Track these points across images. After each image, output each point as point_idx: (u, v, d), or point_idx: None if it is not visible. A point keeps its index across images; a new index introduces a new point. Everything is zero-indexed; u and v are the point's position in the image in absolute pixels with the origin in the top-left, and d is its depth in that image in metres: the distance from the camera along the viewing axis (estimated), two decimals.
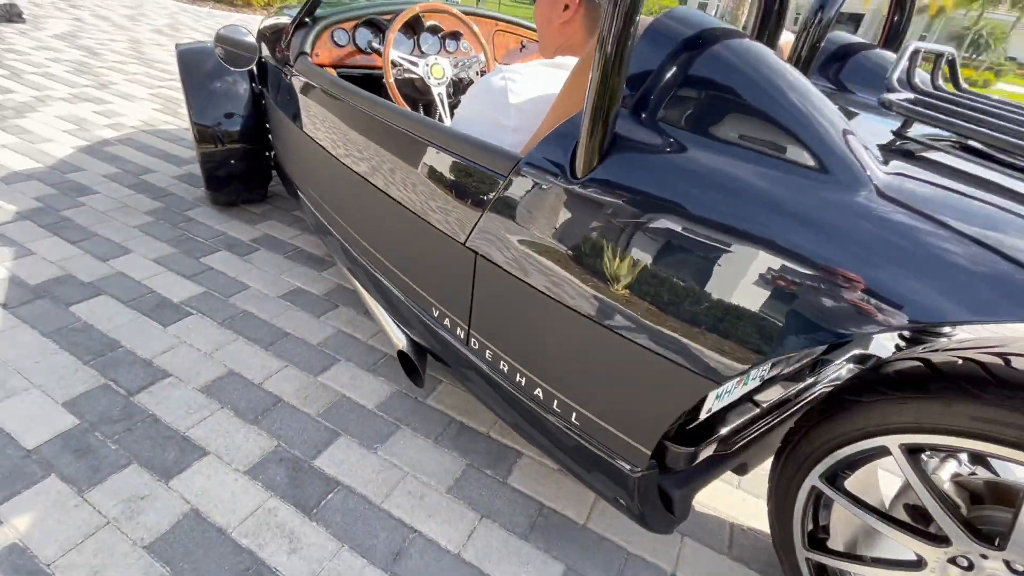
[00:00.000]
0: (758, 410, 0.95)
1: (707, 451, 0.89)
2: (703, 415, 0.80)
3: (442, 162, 1.03)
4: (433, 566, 1.02)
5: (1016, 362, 0.64)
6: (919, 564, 0.81)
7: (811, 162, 0.66)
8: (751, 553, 1.13)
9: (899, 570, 0.83)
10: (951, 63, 0.95)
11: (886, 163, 0.69)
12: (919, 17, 25.02)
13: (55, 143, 2.67)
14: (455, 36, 1.99)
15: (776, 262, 0.64)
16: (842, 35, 1.14)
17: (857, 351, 1.12)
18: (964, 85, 0.97)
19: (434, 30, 1.90)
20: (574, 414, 0.90)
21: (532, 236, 0.87)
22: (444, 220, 1.04)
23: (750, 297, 0.65)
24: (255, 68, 2.00)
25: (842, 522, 0.92)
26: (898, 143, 0.78)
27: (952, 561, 0.78)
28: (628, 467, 0.84)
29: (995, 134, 0.70)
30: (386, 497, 1.14)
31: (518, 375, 0.99)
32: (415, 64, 1.62)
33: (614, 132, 0.77)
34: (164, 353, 1.43)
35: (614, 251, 0.76)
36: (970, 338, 0.79)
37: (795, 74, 0.72)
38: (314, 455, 1.21)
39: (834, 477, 0.86)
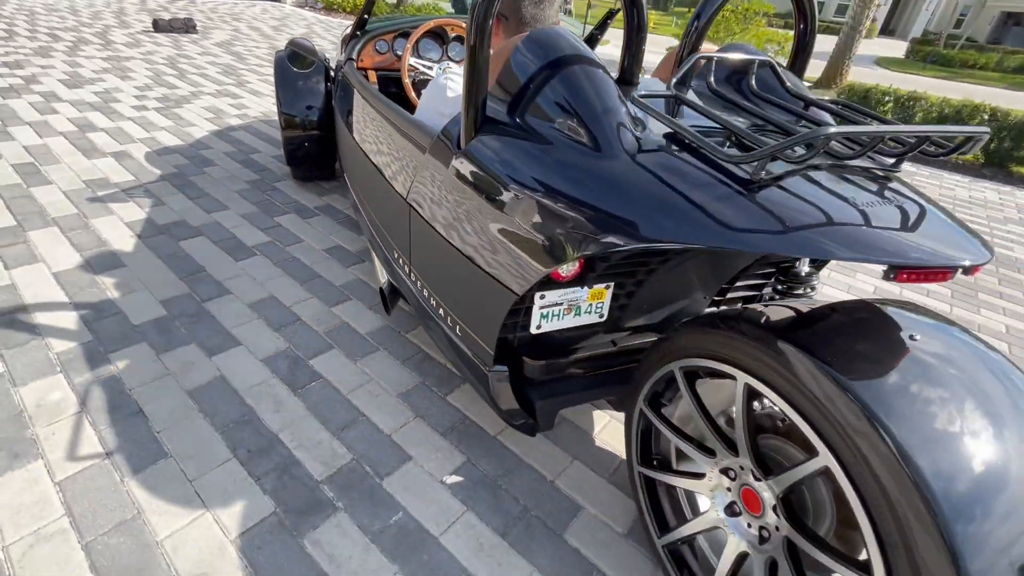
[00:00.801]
0: (613, 348, 1.18)
1: (558, 368, 1.15)
2: (534, 329, 1.06)
3: (402, 140, 1.38)
4: (368, 438, 1.37)
5: (763, 314, 0.84)
6: (703, 474, 1.00)
7: (588, 142, 0.91)
8: (628, 482, 1.34)
9: (692, 479, 1.03)
10: (771, 67, 1.13)
11: (637, 141, 0.90)
12: None
13: (197, 127, 3.46)
14: None
15: (558, 205, 0.90)
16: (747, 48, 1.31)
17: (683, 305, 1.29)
18: (789, 85, 1.12)
19: (460, 40, 2.27)
20: (458, 326, 1.21)
21: (436, 191, 1.19)
22: (399, 182, 1.39)
23: (538, 229, 0.92)
24: (331, 70, 2.52)
25: (663, 441, 1.12)
26: (657, 129, 0.98)
27: (724, 472, 0.97)
28: (483, 365, 1.13)
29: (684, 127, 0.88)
30: (351, 392, 1.52)
31: (432, 299, 1.32)
32: (429, 68, 2.00)
33: (485, 115, 1.06)
34: (231, 279, 1.95)
35: (471, 196, 1.06)
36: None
37: (596, 82, 0.96)
38: (310, 357, 1.62)
39: (656, 402, 1.08)
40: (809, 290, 1.19)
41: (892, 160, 0.89)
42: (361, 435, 1.38)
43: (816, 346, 0.73)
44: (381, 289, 1.64)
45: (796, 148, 0.82)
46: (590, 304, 1.07)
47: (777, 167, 0.81)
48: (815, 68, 10.64)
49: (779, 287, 1.19)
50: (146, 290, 1.83)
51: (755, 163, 0.77)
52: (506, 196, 0.98)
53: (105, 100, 3.75)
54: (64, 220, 2.19)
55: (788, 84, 1.13)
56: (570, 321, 1.08)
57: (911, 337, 0.74)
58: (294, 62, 2.47)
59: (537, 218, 0.92)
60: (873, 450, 0.63)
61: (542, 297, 1.01)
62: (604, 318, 1.12)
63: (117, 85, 4.14)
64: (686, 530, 1.02)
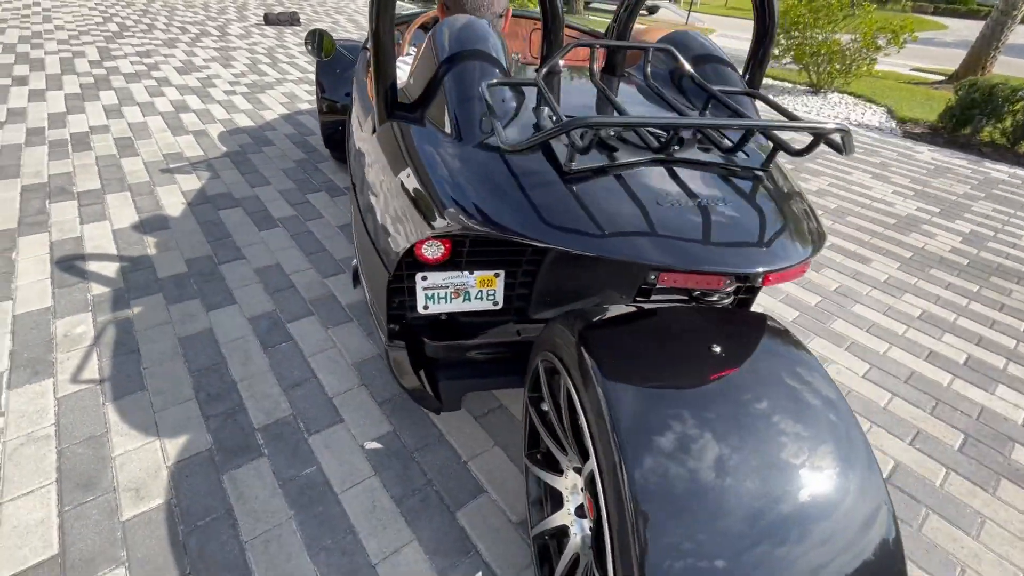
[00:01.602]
0: (517, 338, 1.18)
1: (459, 351, 1.18)
2: (420, 309, 1.10)
3: (363, 123, 1.47)
4: (311, 398, 1.50)
5: (594, 314, 0.82)
6: (563, 472, 1.00)
7: (451, 131, 0.92)
8: None
9: (555, 475, 1.02)
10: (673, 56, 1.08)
11: (482, 132, 0.89)
12: None
13: (271, 111, 3.84)
14: None
15: (411, 188, 0.93)
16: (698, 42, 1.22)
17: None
18: (688, 73, 1.04)
19: None
20: (370, 302, 1.28)
21: (366, 161, 1.27)
22: (353, 150, 1.50)
23: (400, 211, 0.97)
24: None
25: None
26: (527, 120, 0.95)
27: (577, 471, 0.96)
28: (383, 339, 1.19)
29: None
30: (313, 355, 1.65)
31: (362, 276, 1.41)
32: None
33: (395, 100, 1.11)
34: (249, 246, 2.19)
35: (370, 177, 1.13)
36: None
37: (465, 72, 0.97)
38: (289, 320, 1.79)
39: (537, 394, 1.07)
40: (723, 297, 1.11)
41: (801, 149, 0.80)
42: (307, 394, 1.51)
43: (596, 348, 0.70)
44: (354, 263, 1.76)
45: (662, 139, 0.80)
46: (480, 290, 1.09)
47: (596, 159, 0.78)
48: (954, 59, 9.22)
49: (693, 292, 1.12)
50: (178, 250, 2.12)
51: (568, 159, 0.76)
52: (384, 178, 1.03)
53: (204, 85, 4.29)
54: (137, 187, 2.58)
55: (687, 73, 1.06)
56: (460, 305, 1.11)
57: (709, 347, 0.69)
58: (320, 50, 2.66)
59: (398, 201, 0.97)
60: (607, 457, 0.60)
61: (424, 278, 1.04)
62: (499, 306, 1.12)
63: (218, 72, 4.70)
64: (544, 525, 1.01)
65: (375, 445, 1.38)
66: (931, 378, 1.82)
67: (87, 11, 6.96)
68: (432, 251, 0.97)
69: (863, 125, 5.19)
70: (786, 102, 5.82)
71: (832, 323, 2.06)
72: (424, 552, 1.15)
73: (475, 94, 0.93)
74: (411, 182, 0.94)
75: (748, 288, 1.29)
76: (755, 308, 2.09)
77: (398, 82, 1.39)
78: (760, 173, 0.82)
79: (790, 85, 6.71)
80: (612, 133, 0.85)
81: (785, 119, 0.73)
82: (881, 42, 5.65)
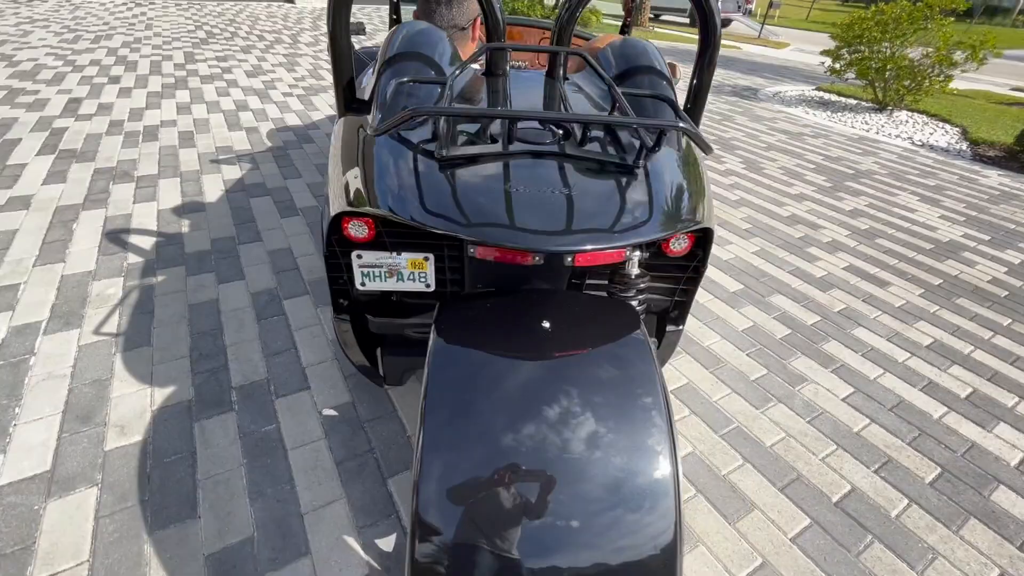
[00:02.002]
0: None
1: (396, 328, 1.28)
2: (359, 285, 1.20)
3: None
4: (287, 366, 1.65)
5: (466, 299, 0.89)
6: None
7: (372, 123, 1.03)
8: None
9: None
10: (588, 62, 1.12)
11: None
12: None
13: (319, 112, 4.16)
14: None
15: (334, 174, 1.04)
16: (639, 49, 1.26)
17: None
18: (602, 75, 1.07)
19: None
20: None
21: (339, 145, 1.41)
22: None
23: (330, 192, 1.08)
24: None
25: None
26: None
27: None
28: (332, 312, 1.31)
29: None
30: (298, 329, 1.81)
31: None
32: None
33: (352, 95, 1.23)
34: (268, 230, 2.41)
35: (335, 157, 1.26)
36: None
37: (392, 71, 1.06)
38: (286, 297, 1.96)
39: None
40: (635, 291, 1.14)
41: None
42: (284, 362, 1.66)
43: (441, 327, 0.77)
44: None
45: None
46: (412, 272, 1.18)
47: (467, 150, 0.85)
48: None
49: (610, 287, 1.15)
50: (207, 230, 2.37)
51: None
52: (328, 166, 1.15)
53: (266, 87, 4.70)
54: (187, 174, 2.90)
55: (602, 75, 1.10)
56: (395, 285, 1.20)
57: (540, 325, 0.74)
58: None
59: (329, 186, 1.08)
60: (420, 417, 0.68)
61: (359, 256, 1.15)
62: (431, 288, 1.21)
63: (281, 76, 5.13)
64: None
65: (332, 412, 1.50)
66: (921, 408, 1.71)
67: (183, 20, 7.78)
68: (356, 231, 1.07)
69: (927, 145, 4.84)
70: (844, 119, 5.53)
71: (824, 344, 1.98)
72: (350, 509, 1.25)
73: (398, 90, 1.04)
74: (334, 169, 1.05)
75: (684, 287, 1.31)
76: (744, 322, 2.05)
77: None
78: (628, 167, 0.86)
79: (854, 102, 6.35)
80: (499, 127, 0.92)
81: (626, 117, 0.78)
82: (958, 57, 5.24)
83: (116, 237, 2.25)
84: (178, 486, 1.27)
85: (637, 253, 1.17)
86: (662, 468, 0.63)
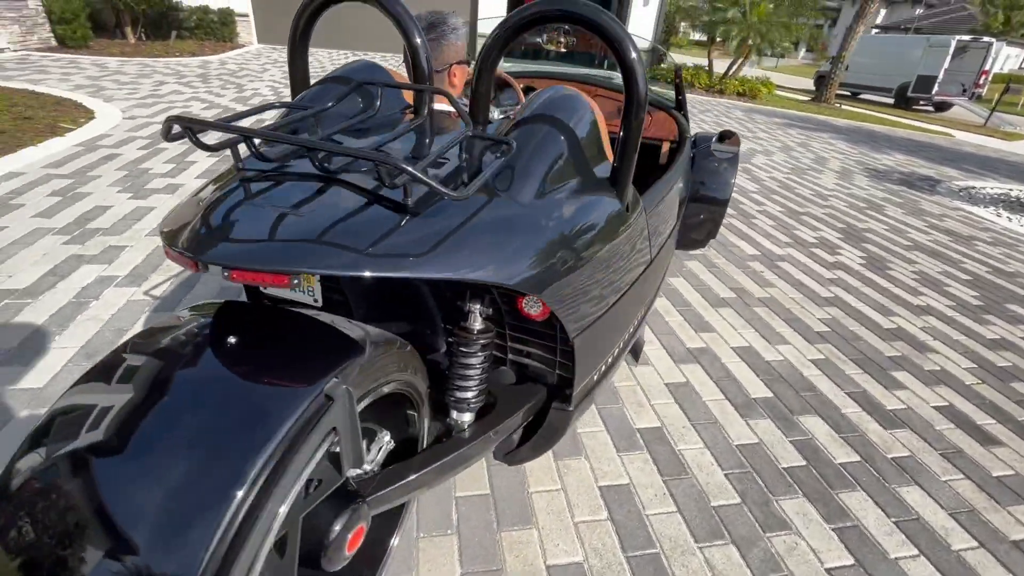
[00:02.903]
0: None
1: None
2: (263, 288, 1.27)
3: None
4: None
5: None
6: None
7: None
8: None
9: None
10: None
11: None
12: None
13: None
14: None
15: None
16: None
17: None
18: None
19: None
20: None
21: None
22: None
23: None
24: None
25: None
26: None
27: None
28: None
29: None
30: None
31: None
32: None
33: None
34: None
35: None
36: None
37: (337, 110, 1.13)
38: None
39: None
40: (478, 348, 1.03)
41: None
42: None
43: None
44: None
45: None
46: (304, 285, 1.23)
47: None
48: None
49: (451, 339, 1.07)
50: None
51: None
52: None
53: None
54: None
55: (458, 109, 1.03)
56: (291, 294, 1.26)
57: (228, 342, 0.72)
58: None
59: None
60: None
61: None
62: (318, 303, 1.24)
63: None
64: None
65: None
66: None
67: None
68: None
69: None
70: None
71: (844, 492, 1.52)
72: None
73: (284, 114, 1.12)
74: None
75: (562, 360, 1.15)
76: (747, 437, 1.69)
77: None
78: (389, 197, 0.80)
79: None
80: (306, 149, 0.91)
81: (344, 147, 0.75)
82: None
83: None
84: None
85: (478, 305, 1.07)
86: (211, 511, 0.56)
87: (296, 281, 0.69)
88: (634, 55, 0.99)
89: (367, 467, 1.01)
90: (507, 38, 1.06)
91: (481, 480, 1.42)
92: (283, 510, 0.66)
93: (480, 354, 1.06)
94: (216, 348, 0.72)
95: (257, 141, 0.83)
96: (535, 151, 1.02)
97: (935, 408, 1.95)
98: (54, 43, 7.58)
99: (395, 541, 1.13)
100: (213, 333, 0.75)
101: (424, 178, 0.69)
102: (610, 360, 1.33)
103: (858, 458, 1.66)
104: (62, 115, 4.31)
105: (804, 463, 1.62)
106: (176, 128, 0.79)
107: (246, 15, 11.02)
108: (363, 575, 1.08)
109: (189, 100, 5.45)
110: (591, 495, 1.42)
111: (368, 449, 1.04)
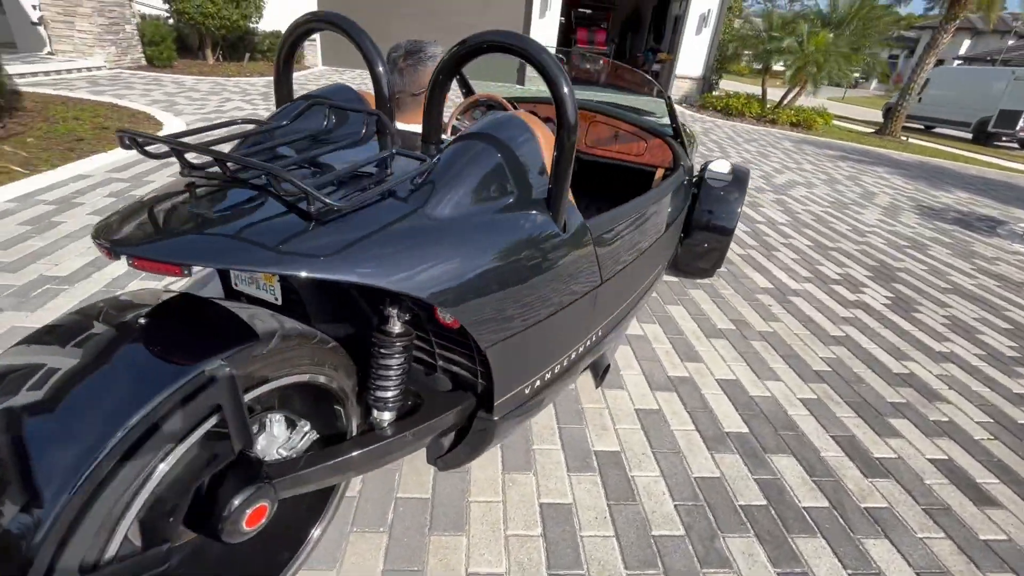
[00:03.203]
0: None
1: None
2: (234, 284, 1.39)
3: None
4: None
5: None
6: None
7: None
8: None
9: None
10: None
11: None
12: None
13: None
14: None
15: None
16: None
17: None
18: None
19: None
20: None
21: None
22: None
23: None
24: None
25: None
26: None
27: None
28: None
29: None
30: None
31: None
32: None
33: None
34: None
35: None
36: None
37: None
38: None
39: None
40: (398, 351, 1.10)
41: None
42: None
43: None
44: None
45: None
46: (264, 284, 1.33)
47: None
48: None
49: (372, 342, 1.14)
50: None
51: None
52: None
53: None
54: None
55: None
56: (256, 292, 1.37)
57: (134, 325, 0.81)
58: None
59: None
60: None
61: None
62: (279, 302, 1.34)
63: None
64: None
65: None
66: None
67: None
68: None
69: None
70: None
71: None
72: None
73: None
74: None
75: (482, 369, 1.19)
76: (707, 470, 1.65)
77: None
78: (298, 205, 0.88)
79: None
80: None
81: (246, 159, 0.85)
82: None
83: None
84: None
85: (395, 310, 1.13)
86: (70, 469, 0.64)
87: (187, 272, 0.78)
88: (566, 89, 1.05)
89: (284, 452, 1.09)
90: (455, 64, 1.14)
91: (425, 484, 1.47)
92: (162, 468, 0.74)
93: (398, 356, 1.12)
94: (124, 328, 0.82)
95: (190, 155, 0.95)
96: (460, 168, 1.08)
97: (930, 460, 1.81)
98: (144, 62, 8.46)
99: (316, 532, 1.19)
100: (128, 315, 0.85)
101: (301, 184, 0.77)
102: (548, 376, 1.35)
103: (826, 504, 1.58)
104: (135, 126, 4.81)
105: (764, 503, 1.56)
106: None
107: (314, 39, 11.85)
108: (283, 558, 1.15)
109: (247, 114, 5.92)
110: (530, 510, 1.43)
111: (290, 437, 1.12)
